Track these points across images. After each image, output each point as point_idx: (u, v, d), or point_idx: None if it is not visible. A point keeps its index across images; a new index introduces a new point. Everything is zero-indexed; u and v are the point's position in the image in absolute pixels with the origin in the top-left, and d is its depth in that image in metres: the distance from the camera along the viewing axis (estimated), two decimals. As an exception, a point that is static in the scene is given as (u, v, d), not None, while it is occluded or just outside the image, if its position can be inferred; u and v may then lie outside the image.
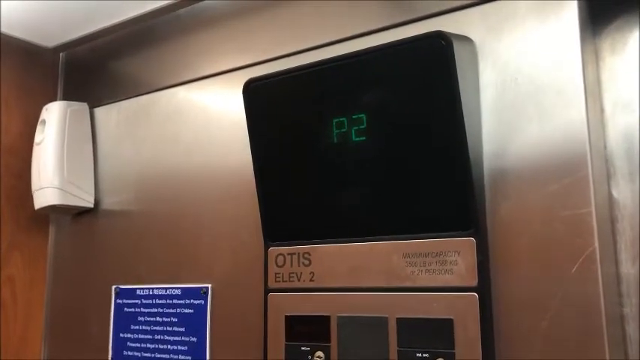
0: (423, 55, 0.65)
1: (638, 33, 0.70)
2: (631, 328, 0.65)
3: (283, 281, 0.76)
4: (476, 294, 0.63)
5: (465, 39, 0.69)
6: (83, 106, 1.09)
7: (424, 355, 0.65)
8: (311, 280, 0.74)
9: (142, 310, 0.96)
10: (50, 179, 1.01)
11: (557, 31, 0.65)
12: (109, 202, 1.05)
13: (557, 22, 0.65)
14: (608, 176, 0.68)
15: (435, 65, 0.64)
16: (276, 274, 0.77)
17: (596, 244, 0.59)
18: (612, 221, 0.68)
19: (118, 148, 1.05)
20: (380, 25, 0.76)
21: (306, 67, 0.74)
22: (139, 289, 0.97)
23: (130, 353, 0.96)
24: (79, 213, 1.08)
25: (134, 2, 0.97)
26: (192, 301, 0.90)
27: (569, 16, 0.64)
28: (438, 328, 0.64)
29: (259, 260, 0.79)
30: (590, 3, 0.69)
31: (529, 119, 0.65)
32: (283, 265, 0.77)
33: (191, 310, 0.90)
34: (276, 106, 0.77)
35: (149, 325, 0.95)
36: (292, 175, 0.76)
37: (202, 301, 0.89)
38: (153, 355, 0.93)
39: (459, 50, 0.63)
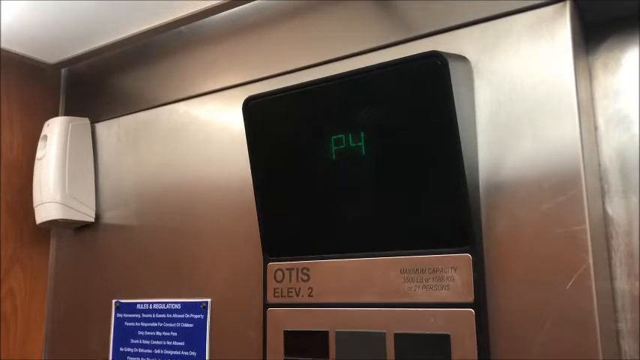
0: (420, 74, 0.66)
1: (631, 51, 0.71)
2: (626, 343, 0.66)
3: (282, 296, 0.77)
4: (472, 310, 0.64)
5: (461, 58, 0.70)
6: (84, 122, 1.10)
7: (422, 370, 0.65)
8: (309, 296, 0.75)
9: (142, 324, 0.97)
10: (52, 194, 1.02)
11: (551, 49, 0.66)
12: (109, 217, 1.06)
13: (551, 41, 0.66)
14: (603, 193, 0.70)
15: (431, 84, 0.65)
16: (275, 289, 0.78)
17: (591, 261, 0.60)
18: (607, 238, 0.69)
19: (118, 163, 1.06)
20: (377, 44, 0.77)
21: (304, 85, 0.75)
22: (139, 303, 0.98)
23: (130, 367, 0.97)
24: (80, 227, 1.09)
25: (135, 19, 0.98)
26: (191, 315, 0.91)
27: (562, 35, 0.66)
28: (435, 344, 0.65)
29: (258, 275, 0.80)
30: (583, 22, 0.71)
31: (524, 137, 0.66)
32: (282, 280, 0.77)
33: (191, 325, 0.91)
34: (275, 123, 0.78)
35: (149, 340, 0.95)
36: (291, 191, 0.77)
37: (202, 316, 0.89)
38: (153, 370, 0.94)
39: (454, 69, 0.64)
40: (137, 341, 0.97)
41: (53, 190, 1.02)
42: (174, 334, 0.92)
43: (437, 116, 0.65)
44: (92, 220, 1.06)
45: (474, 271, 0.64)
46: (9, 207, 1.08)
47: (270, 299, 0.78)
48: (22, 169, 1.10)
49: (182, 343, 0.91)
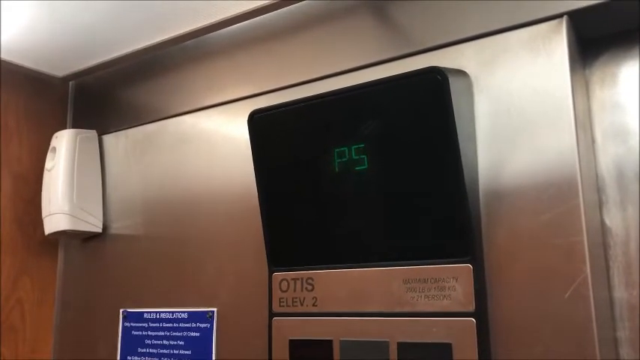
0: (420, 88, 0.68)
1: (627, 65, 0.73)
2: (624, 352, 0.67)
3: (287, 306, 0.78)
4: (473, 319, 0.65)
5: (460, 72, 0.72)
6: (92, 134, 1.12)
7: (424, 379, 0.67)
8: (314, 305, 0.76)
9: (149, 333, 0.98)
10: (60, 205, 1.04)
11: (548, 64, 0.68)
12: (117, 227, 1.08)
13: (548, 56, 0.68)
14: (600, 204, 0.71)
15: (432, 98, 0.67)
16: (280, 298, 0.79)
17: (588, 271, 0.62)
18: (605, 247, 0.70)
19: (125, 175, 1.08)
20: (379, 59, 0.79)
21: (308, 99, 0.77)
22: (146, 312, 0.99)
23: (137, 376, 0.99)
24: (87, 238, 1.10)
25: (142, 34, 1.00)
26: (198, 324, 0.92)
27: (559, 50, 0.67)
28: (437, 353, 0.66)
29: (263, 285, 0.81)
30: (580, 38, 0.72)
31: (522, 149, 0.68)
32: (287, 290, 0.79)
33: (197, 334, 0.92)
34: (280, 136, 0.80)
35: (156, 349, 0.97)
36: (296, 203, 0.79)
37: (208, 325, 0.91)
38: (160, 378, 0.96)
39: (454, 84, 0.66)
40: (144, 350, 0.98)
41: (62, 201, 1.04)
42: (181, 343, 0.94)
43: (437, 130, 0.67)
44: (100, 230, 1.08)
45: (475, 280, 0.65)
46: (17, 218, 1.10)
47: (276, 309, 0.79)
48: (31, 181, 1.12)
49: (189, 352, 0.92)
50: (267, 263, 0.81)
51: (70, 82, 1.21)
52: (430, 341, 0.67)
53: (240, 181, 0.90)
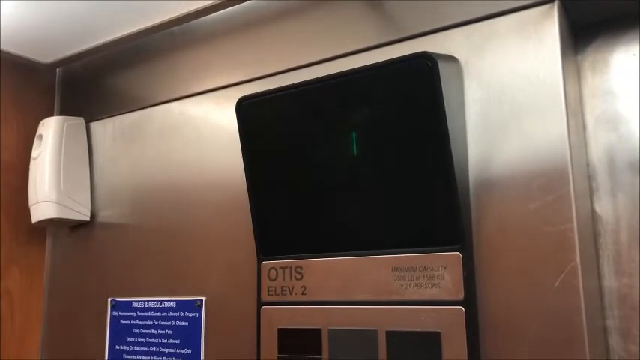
0: (410, 74, 0.67)
1: (619, 51, 0.72)
2: (614, 340, 0.67)
3: (276, 295, 0.78)
4: (462, 307, 0.65)
5: (450, 58, 0.71)
6: (79, 121, 1.11)
7: (412, 367, 0.66)
8: (303, 294, 0.76)
9: (138, 322, 0.98)
10: (47, 193, 1.02)
11: (539, 50, 0.67)
12: (105, 216, 1.07)
13: (539, 42, 0.67)
14: (591, 192, 0.70)
15: (421, 84, 0.66)
16: (268, 287, 0.79)
17: (578, 259, 0.61)
18: (595, 236, 0.70)
19: (113, 162, 1.07)
20: (368, 45, 0.78)
21: (297, 85, 0.76)
22: (134, 301, 0.99)
23: (125, 365, 0.98)
24: (75, 226, 1.09)
25: (129, 20, 0.98)
26: (186, 313, 0.92)
27: (550, 35, 0.66)
28: (425, 341, 0.66)
29: (252, 274, 0.81)
30: (571, 23, 0.71)
31: (512, 136, 0.67)
32: (275, 278, 0.78)
33: (186, 323, 0.91)
34: (268, 123, 0.79)
35: (144, 337, 0.96)
36: (284, 191, 0.78)
37: (197, 314, 0.90)
38: (148, 367, 0.95)
39: (444, 70, 0.65)
40: (133, 339, 0.98)
41: (48, 189, 1.03)
42: (170, 332, 0.93)
43: (427, 116, 0.66)
44: (87, 219, 1.07)
45: (464, 269, 0.65)
46: (5, 207, 1.09)
47: (264, 297, 0.79)
48: (18, 169, 1.11)
49: (177, 341, 0.92)
50: (255, 252, 0.80)
51: (58, 69, 1.20)
52: (419, 330, 0.66)
53: (229, 168, 0.89)
